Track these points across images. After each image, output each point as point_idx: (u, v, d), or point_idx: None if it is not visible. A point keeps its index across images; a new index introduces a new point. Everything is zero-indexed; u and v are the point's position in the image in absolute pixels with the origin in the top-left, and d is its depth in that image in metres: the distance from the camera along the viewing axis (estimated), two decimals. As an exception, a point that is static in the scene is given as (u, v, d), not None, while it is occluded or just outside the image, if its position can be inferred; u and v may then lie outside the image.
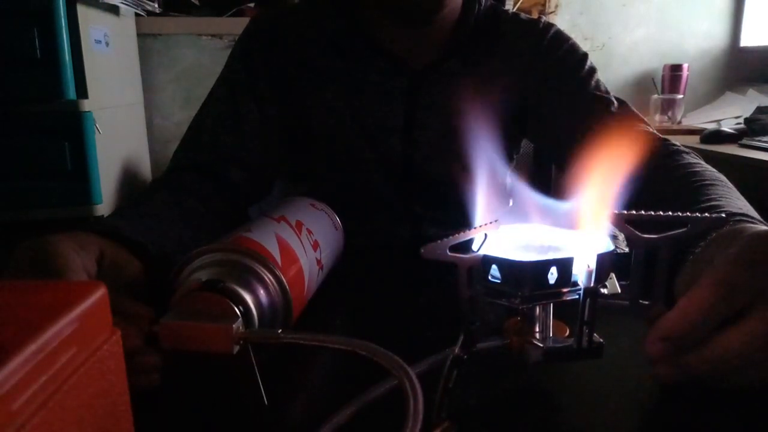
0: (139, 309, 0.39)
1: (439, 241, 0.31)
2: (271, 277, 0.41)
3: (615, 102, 0.77)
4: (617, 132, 0.74)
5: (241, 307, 0.37)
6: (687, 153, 0.70)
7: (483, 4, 0.80)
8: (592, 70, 0.80)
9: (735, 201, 0.55)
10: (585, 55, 0.81)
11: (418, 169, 0.81)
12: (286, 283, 0.41)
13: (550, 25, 0.82)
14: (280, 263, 0.43)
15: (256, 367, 0.36)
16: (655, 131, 0.75)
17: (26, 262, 0.41)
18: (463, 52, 0.78)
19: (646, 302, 0.37)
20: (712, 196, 0.56)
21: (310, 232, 0.51)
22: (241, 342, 0.36)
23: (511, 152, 0.90)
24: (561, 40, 0.81)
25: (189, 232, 0.57)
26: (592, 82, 0.78)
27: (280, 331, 0.36)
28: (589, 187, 0.37)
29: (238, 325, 0.36)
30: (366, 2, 0.77)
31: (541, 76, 0.79)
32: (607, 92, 0.79)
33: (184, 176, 0.69)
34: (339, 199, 0.64)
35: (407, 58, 0.77)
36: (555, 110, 0.78)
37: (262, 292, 0.40)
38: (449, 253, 0.32)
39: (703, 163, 0.67)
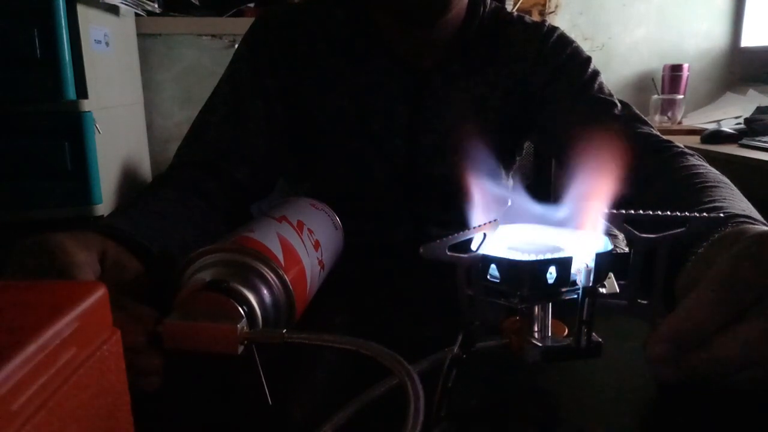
0: (141, 309, 0.39)
1: (438, 241, 0.31)
2: (274, 278, 0.41)
3: (618, 104, 0.77)
4: (621, 134, 0.74)
5: (245, 308, 0.37)
6: (691, 155, 0.70)
7: (487, 7, 0.80)
8: (596, 73, 0.80)
9: (738, 203, 0.55)
10: (588, 59, 0.81)
11: (422, 170, 0.81)
12: (289, 283, 0.42)
13: (554, 29, 0.82)
14: (282, 263, 0.43)
15: (260, 367, 0.37)
16: (658, 133, 0.75)
17: (30, 260, 0.40)
18: (468, 54, 0.78)
19: (645, 302, 0.37)
20: (715, 198, 0.56)
21: (311, 231, 0.51)
22: (246, 342, 0.36)
23: (513, 153, 0.90)
24: (565, 43, 0.81)
25: (192, 231, 0.57)
26: (596, 85, 0.79)
27: (284, 331, 0.36)
28: (590, 189, 0.37)
29: (242, 325, 0.36)
30: (372, 2, 0.77)
31: (545, 79, 0.79)
32: (611, 95, 0.79)
33: (187, 173, 0.69)
34: (342, 198, 0.64)
35: (412, 59, 0.77)
36: (558, 113, 0.78)
37: (265, 293, 0.40)
38: (448, 253, 0.32)
39: (706, 164, 0.67)
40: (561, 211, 0.37)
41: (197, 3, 1.97)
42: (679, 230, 0.36)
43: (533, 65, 0.80)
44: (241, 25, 1.81)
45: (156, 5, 1.85)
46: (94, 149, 1.45)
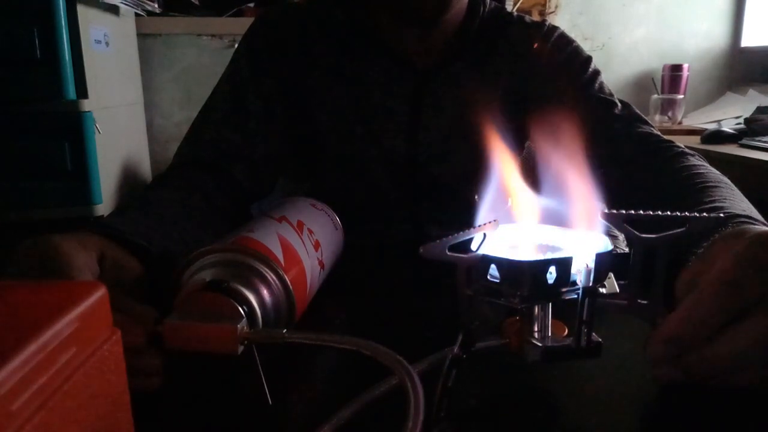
0: (141, 309, 0.39)
1: (438, 241, 0.31)
2: (274, 278, 0.41)
3: (619, 104, 0.77)
4: (621, 134, 0.74)
5: (245, 308, 0.37)
6: (691, 155, 0.70)
7: (487, 6, 0.81)
8: (596, 73, 0.80)
9: (738, 203, 0.55)
10: (589, 58, 0.81)
11: (422, 170, 0.81)
12: (289, 284, 0.42)
13: (555, 28, 0.82)
14: (282, 263, 0.43)
15: (260, 367, 0.37)
16: (658, 133, 0.75)
17: (30, 261, 0.40)
18: (468, 54, 0.78)
19: (645, 302, 0.37)
20: (716, 198, 0.56)
21: (311, 232, 0.51)
22: (246, 342, 0.36)
23: (513, 153, 0.90)
24: (565, 42, 0.81)
25: (192, 231, 0.57)
26: (596, 85, 0.79)
27: (284, 331, 0.36)
28: (589, 188, 0.37)
29: (242, 325, 0.36)
30: (372, 2, 0.77)
31: (545, 79, 0.79)
32: (611, 94, 0.79)
33: (187, 173, 0.69)
34: (342, 198, 0.64)
35: (412, 59, 0.77)
36: (558, 113, 0.78)
37: (265, 293, 0.40)
38: (448, 253, 0.32)
39: (706, 165, 0.67)
40: (561, 210, 0.37)
41: (197, 3, 1.97)
42: (679, 230, 0.36)
43: (533, 65, 0.80)
44: (241, 25, 1.80)
45: (156, 5, 1.85)
46: (94, 149, 1.45)
